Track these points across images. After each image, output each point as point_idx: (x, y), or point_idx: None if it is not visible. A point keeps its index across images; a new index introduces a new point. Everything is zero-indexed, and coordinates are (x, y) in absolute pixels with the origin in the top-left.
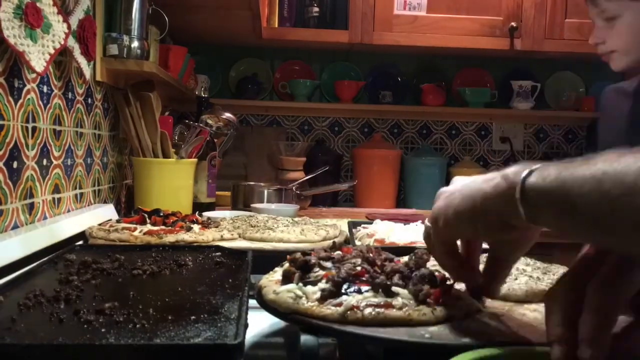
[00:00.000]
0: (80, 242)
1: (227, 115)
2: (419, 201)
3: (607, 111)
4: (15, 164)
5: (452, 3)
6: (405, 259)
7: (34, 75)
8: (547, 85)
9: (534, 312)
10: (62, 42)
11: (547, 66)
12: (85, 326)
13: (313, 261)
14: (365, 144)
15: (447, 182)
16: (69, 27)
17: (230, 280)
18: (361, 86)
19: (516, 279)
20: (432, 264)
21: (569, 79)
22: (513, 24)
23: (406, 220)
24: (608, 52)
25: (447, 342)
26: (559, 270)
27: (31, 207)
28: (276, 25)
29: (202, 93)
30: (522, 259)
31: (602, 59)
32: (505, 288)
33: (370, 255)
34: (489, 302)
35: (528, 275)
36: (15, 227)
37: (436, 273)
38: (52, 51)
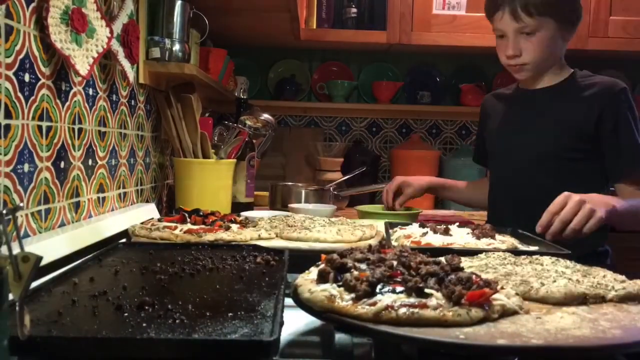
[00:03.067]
0: (124, 240)
1: (266, 116)
2: None
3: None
4: (62, 164)
5: None
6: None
7: (79, 78)
8: None
9: (572, 315)
10: (105, 46)
11: (591, 65)
12: (127, 320)
13: (350, 264)
14: (403, 145)
15: None
16: (111, 31)
17: (266, 279)
18: (399, 87)
19: (555, 281)
20: (469, 266)
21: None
22: None
23: (444, 221)
24: (520, 64)
25: (482, 343)
26: (599, 273)
27: (77, 205)
28: (314, 27)
29: (241, 94)
30: (562, 261)
31: (510, 69)
32: (543, 290)
33: (406, 256)
34: (527, 304)
35: (567, 277)
36: (62, 224)
37: (473, 277)
38: (96, 55)
